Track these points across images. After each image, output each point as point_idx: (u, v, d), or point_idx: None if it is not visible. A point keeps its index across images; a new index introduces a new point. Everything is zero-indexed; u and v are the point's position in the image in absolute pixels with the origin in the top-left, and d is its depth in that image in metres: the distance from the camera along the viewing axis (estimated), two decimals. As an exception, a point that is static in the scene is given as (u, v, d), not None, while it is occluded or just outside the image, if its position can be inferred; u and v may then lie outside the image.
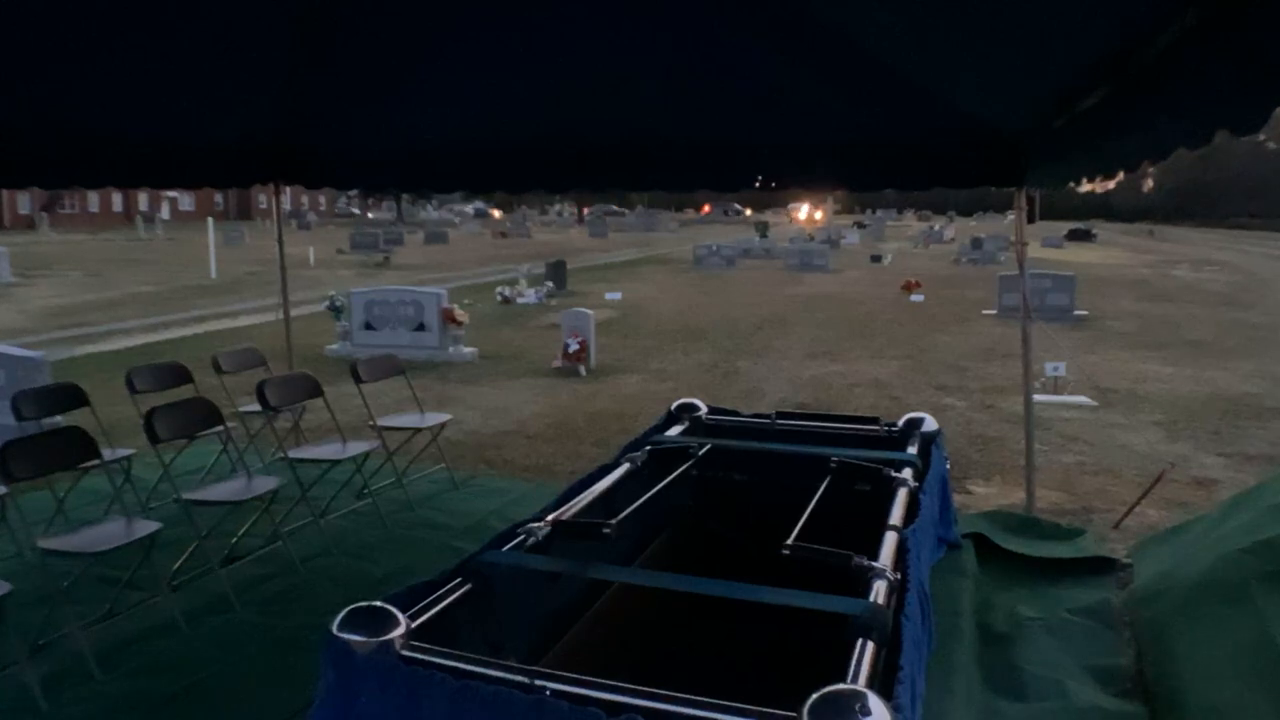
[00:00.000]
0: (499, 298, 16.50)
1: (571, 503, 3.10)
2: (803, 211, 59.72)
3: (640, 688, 1.83)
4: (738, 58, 4.32)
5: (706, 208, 65.50)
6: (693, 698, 1.80)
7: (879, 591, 2.37)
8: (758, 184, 5.42)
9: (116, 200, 56.15)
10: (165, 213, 54.31)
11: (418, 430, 5.52)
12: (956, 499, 4.94)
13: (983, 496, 5.70)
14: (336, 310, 11.37)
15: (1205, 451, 6.73)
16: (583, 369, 9.86)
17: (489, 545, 2.69)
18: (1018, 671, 3.45)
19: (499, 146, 5.45)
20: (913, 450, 3.90)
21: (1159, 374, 9.84)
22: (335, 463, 4.90)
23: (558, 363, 10.09)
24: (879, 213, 59.82)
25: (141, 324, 14.12)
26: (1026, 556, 4.50)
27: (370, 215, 63.77)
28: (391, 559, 4.58)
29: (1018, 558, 4.50)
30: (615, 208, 61.60)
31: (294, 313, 7.36)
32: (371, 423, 5.38)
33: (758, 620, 2.68)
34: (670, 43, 4.30)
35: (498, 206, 64.84)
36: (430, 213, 63.69)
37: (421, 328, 10.84)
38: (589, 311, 10.38)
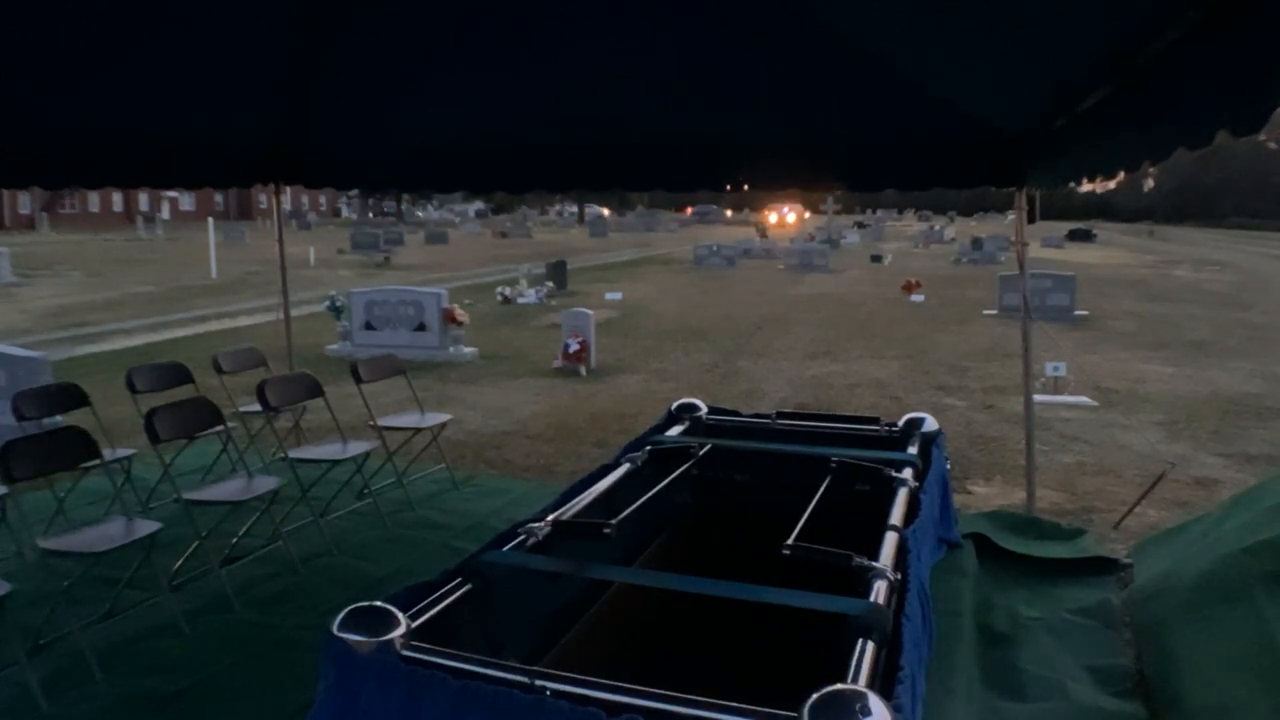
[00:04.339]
0: (499, 298, 16.50)
1: (572, 503, 3.10)
2: (774, 216, 58.59)
3: (640, 688, 1.83)
4: (738, 58, 4.32)
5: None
6: (693, 698, 1.79)
7: (879, 591, 2.37)
8: (761, 185, 5.43)
9: (117, 200, 56.18)
10: (165, 213, 54.36)
11: (418, 430, 5.52)
12: (957, 499, 4.94)
13: (983, 496, 5.70)
14: (337, 310, 11.37)
15: (1205, 451, 6.73)
16: (583, 369, 9.86)
17: (489, 545, 2.69)
18: (1018, 671, 3.45)
19: (499, 146, 5.45)
20: (913, 450, 3.91)
21: (1159, 374, 9.84)
22: (335, 463, 4.90)
23: (558, 363, 10.09)
24: (879, 213, 59.90)
25: (142, 324, 14.12)
26: (1027, 556, 4.50)
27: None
28: (391, 559, 4.57)
29: (1018, 558, 4.50)
30: (603, 211, 62.34)
31: (294, 313, 7.36)
32: (372, 423, 5.38)
33: (758, 620, 2.68)
34: (670, 43, 4.30)
35: (498, 207, 65.28)
36: (431, 213, 63.77)
37: (422, 328, 10.84)
38: (589, 311, 10.38)
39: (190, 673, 3.43)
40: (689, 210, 64.47)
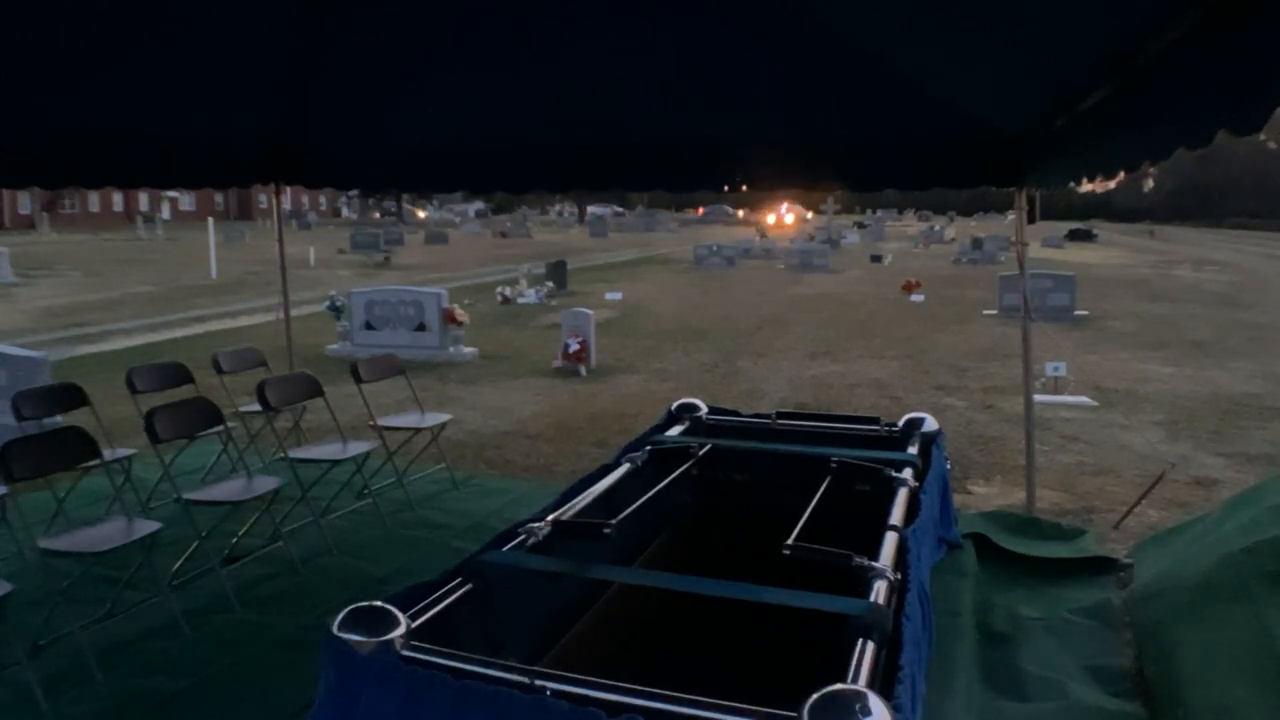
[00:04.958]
0: (499, 298, 16.50)
1: (572, 503, 3.10)
2: (772, 216, 58.07)
3: (640, 688, 1.83)
4: (738, 58, 4.33)
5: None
6: (693, 698, 1.80)
7: (879, 591, 2.37)
8: (761, 185, 5.43)
9: (117, 200, 56.18)
10: (165, 213, 54.35)
11: (418, 430, 5.52)
12: (957, 499, 4.94)
13: (983, 496, 5.70)
14: (337, 310, 11.37)
15: (1205, 451, 6.73)
16: (583, 369, 9.86)
17: (489, 545, 2.69)
18: (1018, 671, 3.45)
19: (499, 146, 5.45)
20: (913, 450, 3.91)
21: (1159, 374, 9.84)
22: (335, 463, 4.90)
23: (558, 363, 10.09)
24: (879, 213, 59.84)
25: (142, 324, 14.12)
26: (1027, 556, 4.50)
27: (422, 215, 63.70)
28: (391, 559, 4.57)
29: (1018, 558, 4.50)
30: (618, 209, 62.45)
31: (294, 313, 7.36)
32: (372, 423, 5.38)
33: (758, 620, 2.68)
34: (670, 43, 4.30)
35: (498, 207, 65.38)
36: (434, 213, 63.77)
37: (422, 328, 10.84)
38: (589, 311, 10.38)
39: (190, 673, 3.43)
40: (700, 210, 64.37)
